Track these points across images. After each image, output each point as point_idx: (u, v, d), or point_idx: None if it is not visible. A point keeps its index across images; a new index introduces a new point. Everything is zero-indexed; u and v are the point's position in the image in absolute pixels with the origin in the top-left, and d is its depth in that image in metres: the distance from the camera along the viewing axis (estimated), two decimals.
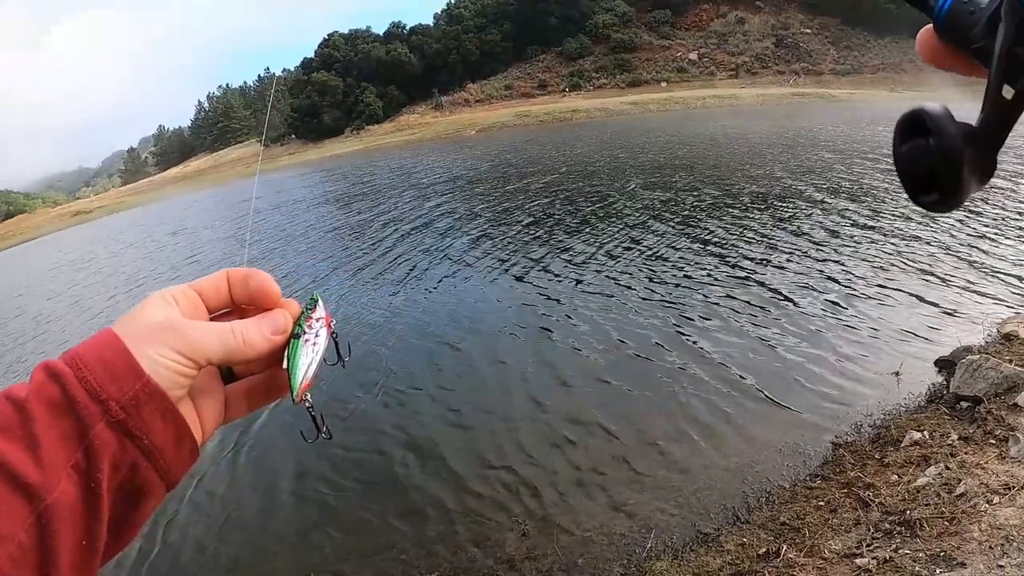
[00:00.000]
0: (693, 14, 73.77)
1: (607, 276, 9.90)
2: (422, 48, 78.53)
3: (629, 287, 9.24)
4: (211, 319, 0.67)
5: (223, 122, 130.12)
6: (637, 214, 13.97)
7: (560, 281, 10.05)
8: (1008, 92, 0.42)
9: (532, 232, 13.76)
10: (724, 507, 4.58)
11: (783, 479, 4.75)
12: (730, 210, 13.22)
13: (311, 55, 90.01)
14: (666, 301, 8.51)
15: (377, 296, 11.21)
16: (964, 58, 0.47)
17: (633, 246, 11.36)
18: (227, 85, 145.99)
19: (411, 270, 12.47)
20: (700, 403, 5.96)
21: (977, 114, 0.44)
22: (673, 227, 12.31)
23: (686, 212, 13.57)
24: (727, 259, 9.91)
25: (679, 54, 69.79)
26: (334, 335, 0.72)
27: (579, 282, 9.88)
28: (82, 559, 0.52)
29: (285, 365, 0.66)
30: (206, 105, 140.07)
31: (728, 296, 8.35)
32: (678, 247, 10.96)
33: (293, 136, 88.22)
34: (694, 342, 7.17)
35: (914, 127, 0.43)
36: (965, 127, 0.42)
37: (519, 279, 10.57)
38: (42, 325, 15.96)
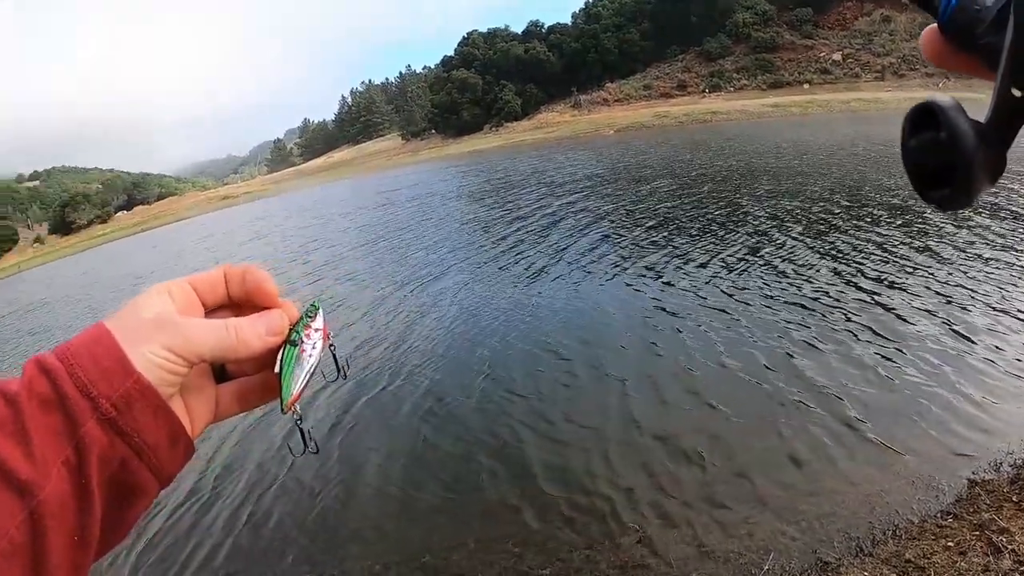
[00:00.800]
0: (836, 12, 71.13)
1: (724, 289, 9.49)
2: (560, 47, 79.50)
3: (746, 302, 8.78)
4: (207, 316, 0.67)
5: (365, 116, 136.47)
6: (762, 224, 13.38)
7: (675, 291, 9.76)
8: (1017, 91, 0.42)
9: (654, 237, 13.51)
10: (848, 536, 4.39)
11: (912, 513, 4.47)
12: (860, 223, 12.44)
13: (451, 53, 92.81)
14: (786, 319, 8.05)
15: (491, 293, 11.53)
16: (969, 58, 0.48)
17: (754, 258, 10.88)
18: (369, 81, 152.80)
19: (528, 269, 12.71)
20: (829, 426, 5.62)
21: (985, 112, 0.44)
22: (797, 239, 11.74)
23: (813, 224, 12.87)
24: (852, 277, 9.30)
25: (822, 54, 67.49)
26: (332, 347, 0.73)
27: (695, 294, 9.52)
28: (74, 556, 0.52)
29: (277, 369, 0.66)
30: (349, 100, 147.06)
31: (859, 316, 7.81)
32: (800, 261, 10.35)
33: (433, 131, 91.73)
34: (822, 363, 6.74)
35: (924, 120, 0.43)
36: (975, 123, 0.42)
37: (634, 286, 10.37)
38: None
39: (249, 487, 6.63)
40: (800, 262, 10.35)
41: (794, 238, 11.85)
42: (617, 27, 75.43)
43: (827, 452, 5.26)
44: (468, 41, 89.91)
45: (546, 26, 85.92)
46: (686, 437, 5.81)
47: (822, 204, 14.63)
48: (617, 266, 11.76)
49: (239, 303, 0.69)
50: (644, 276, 10.86)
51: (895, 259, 9.95)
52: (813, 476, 5.01)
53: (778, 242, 11.70)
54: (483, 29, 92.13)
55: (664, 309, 9.09)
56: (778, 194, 16.48)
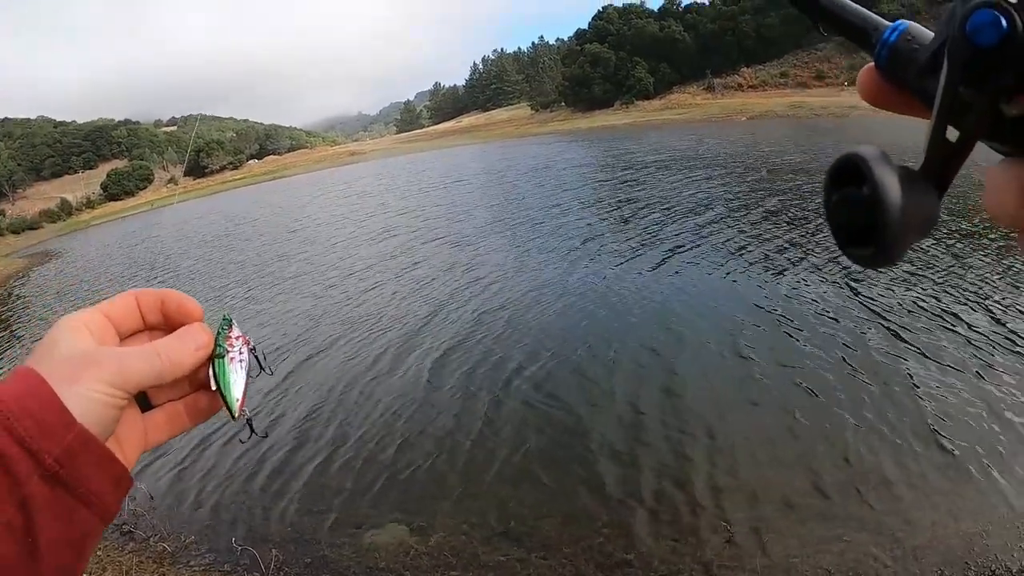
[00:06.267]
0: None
1: (845, 294, 9.17)
2: (696, 27, 78.69)
3: (869, 313, 8.37)
4: (122, 343, 0.66)
5: (496, 84, 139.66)
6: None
7: (797, 297, 9.37)
8: (952, 134, 0.41)
9: (785, 241, 12.59)
10: (940, 573, 4.23)
11: (1012, 561, 4.27)
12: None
13: (585, 26, 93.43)
14: (911, 338, 7.54)
15: (608, 270, 11.94)
16: (907, 98, 0.47)
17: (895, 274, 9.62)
18: (502, 49, 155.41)
19: (645, 250, 13.07)
20: (938, 455, 5.39)
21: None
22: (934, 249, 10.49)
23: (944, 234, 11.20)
24: (995, 301, 8.40)
25: None
26: (253, 350, 0.73)
27: (815, 299, 9.18)
28: None
29: (214, 386, 0.67)
30: (481, 67, 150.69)
31: (994, 344, 7.19)
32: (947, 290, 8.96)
33: (562, 104, 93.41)
34: (943, 390, 6.37)
35: (847, 174, 0.40)
36: (905, 172, 0.40)
37: (751, 286, 10.11)
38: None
39: (349, 434, 7.20)
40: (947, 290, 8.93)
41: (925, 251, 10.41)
42: (756, 10, 73.90)
43: (932, 482, 5.08)
44: (603, 15, 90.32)
45: (682, 4, 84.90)
46: (788, 446, 5.78)
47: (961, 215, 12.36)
48: (740, 258, 11.62)
49: (154, 327, 0.69)
50: (764, 276, 10.54)
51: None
52: (914, 504, 4.87)
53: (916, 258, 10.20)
54: (619, 3, 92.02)
55: (778, 310, 8.90)
56: None
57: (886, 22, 0.48)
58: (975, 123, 0.40)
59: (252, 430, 0.75)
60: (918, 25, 0.46)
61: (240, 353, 0.70)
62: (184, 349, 0.64)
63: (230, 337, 0.70)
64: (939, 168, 0.41)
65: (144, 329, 0.68)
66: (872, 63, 0.48)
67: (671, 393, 7.01)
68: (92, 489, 0.55)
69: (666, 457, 5.85)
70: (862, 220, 0.39)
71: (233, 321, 0.72)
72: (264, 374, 0.76)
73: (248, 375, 0.71)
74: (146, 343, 0.65)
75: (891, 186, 0.38)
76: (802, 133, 37.02)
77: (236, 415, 0.68)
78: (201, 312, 0.69)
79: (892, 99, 0.48)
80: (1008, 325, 7.61)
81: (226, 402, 0.67)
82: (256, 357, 0.73)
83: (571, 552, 4.80)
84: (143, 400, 0.67)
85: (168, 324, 0.68)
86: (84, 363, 0.56)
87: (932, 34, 0.44)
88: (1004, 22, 0.37)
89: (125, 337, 0.66)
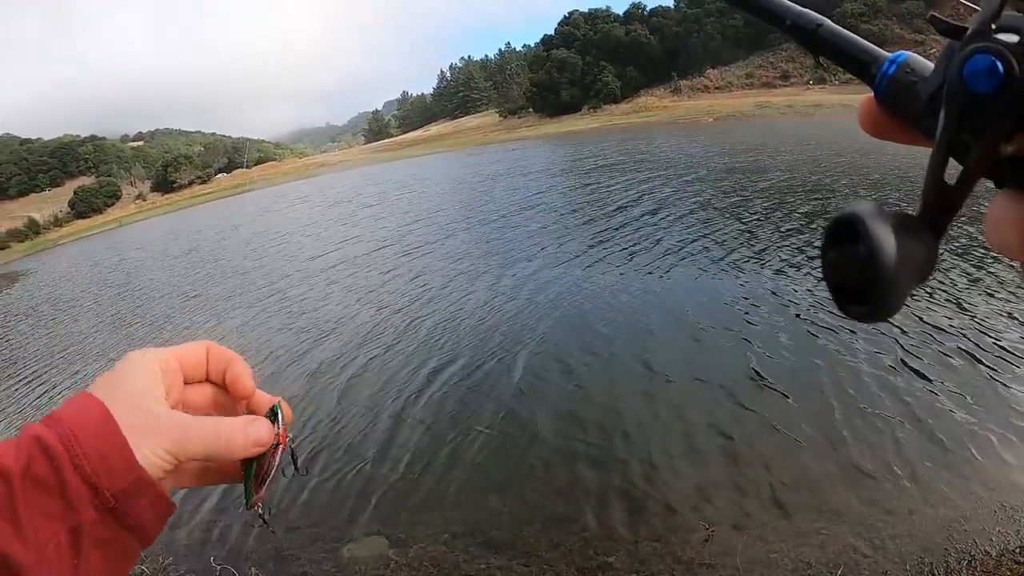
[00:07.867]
0: (950, 7, 68.18)
1: (815, 294, 9.01)
2: (662, 30, 78.77)
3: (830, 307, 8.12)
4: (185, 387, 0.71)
5: (464, 91, 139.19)
6: None
7: (759, 287, 9.66)
8: (951, 178, 0.40)
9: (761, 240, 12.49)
10: (921, 561, 4.26)
11: (991, 545, 4.30)
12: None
13: (551, 32, 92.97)
14: (879, 327, 7.42)
15: (580, 274, 11.95)
16: (908, 129, 0.46)
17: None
18: (469, 57, 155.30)
19: (616, 252, 13.16)
20: (916, 443, 5.42)
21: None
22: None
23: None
24: (960, 288, 8.53)
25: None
26: (292, 450, 0.73)
27: (782, 294, 9.25)
28: None
29: (241, 468, 0.70)
30: (448, 75, 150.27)
31: (960, 335, 7.20)
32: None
33: (530, 109, 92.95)
34: (917, 379, 6.42)
35: (844, 232, 0.39)
36: (901, 221, 0.39)
37: (719, 278, 10.35)
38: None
39: (322, 447, 7.13)
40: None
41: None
42: (721, 12, 73.78)
43: (909, 470, 5.10)
44: (569, 21, 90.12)
45: (648, 8, 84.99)
46: (766, 441, 5.78)
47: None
48: (717, 261, 11.48)
49: (212, 382, 0.73)
50: (735, 270, 10.73)
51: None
52: (892, 493, 4.90)
53: None
54: (584, 9, 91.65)
55: (746, 307, 8.99)
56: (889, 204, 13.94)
57: (885, 53, 0.48)
58: (973, 165, 0.40)
59: (265, 522, 0.73)
60: (917, 56, 0.46)
61: (273, 454, 0.70)
62: (244, 443, 0.66)
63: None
64: (937, 212, 0.41)
65: (205, 381, 0.73)
66: (872, 94, 0.48)
67: (647, 394, 7.03)
68: (142, 524, 0.59)
69: (643, 458, 5.85)
70: (858, 278, 0.39)
71: (279, 414, 0.71)
72: (297, 475, 0.76)
73: (278, 469, 0.71)
74: (208, 404, 0.73)
75: (887, 245, 0.37)
76: (768, 132, 37.20)
77: (249, 507, 0.70)
78: (251, 390, 0.73)
79: (892, 130, 0.48)
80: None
81: (246, 495, 0.70)
82: (292, 457, 0.73)
83: (552, 557, 4.84)
84: None
85: (226, 387, 0.73)
86: (153, 427, 0.60)
87: (931, 66, 0.43)
88: (1001, 67, 0.37)
89: (188, 384, 0.71)
